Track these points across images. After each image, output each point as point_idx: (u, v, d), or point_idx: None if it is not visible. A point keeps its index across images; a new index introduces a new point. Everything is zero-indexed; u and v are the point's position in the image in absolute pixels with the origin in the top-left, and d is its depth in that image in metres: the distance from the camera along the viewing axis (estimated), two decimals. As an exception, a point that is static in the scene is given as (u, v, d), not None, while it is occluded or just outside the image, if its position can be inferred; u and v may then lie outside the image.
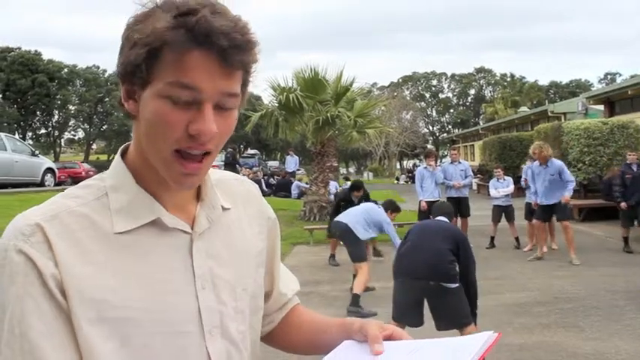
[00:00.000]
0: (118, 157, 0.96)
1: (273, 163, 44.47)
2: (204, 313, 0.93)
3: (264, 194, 19.10)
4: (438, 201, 9.75)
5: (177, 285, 0.91)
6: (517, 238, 10.41)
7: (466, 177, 11.00)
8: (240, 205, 1.07)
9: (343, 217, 7.20)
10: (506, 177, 11.12)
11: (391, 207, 7.65)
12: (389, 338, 0.99)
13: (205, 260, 0.95)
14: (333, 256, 9.47)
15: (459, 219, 10.84)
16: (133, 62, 0.84)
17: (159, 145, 0.86)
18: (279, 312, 1.17)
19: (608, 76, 74.88)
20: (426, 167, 10.66)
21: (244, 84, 0.90)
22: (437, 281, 4.50)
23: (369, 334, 0.98)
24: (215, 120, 0.85)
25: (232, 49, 0.82)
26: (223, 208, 1.01)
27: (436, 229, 4.83)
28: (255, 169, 25.32)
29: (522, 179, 10.24)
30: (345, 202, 9.07)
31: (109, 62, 56.23)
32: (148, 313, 0.87)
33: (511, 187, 10.79)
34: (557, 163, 9.17)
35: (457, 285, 4.47)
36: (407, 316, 4.66)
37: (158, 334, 0.88)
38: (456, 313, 4.48)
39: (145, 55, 0.83)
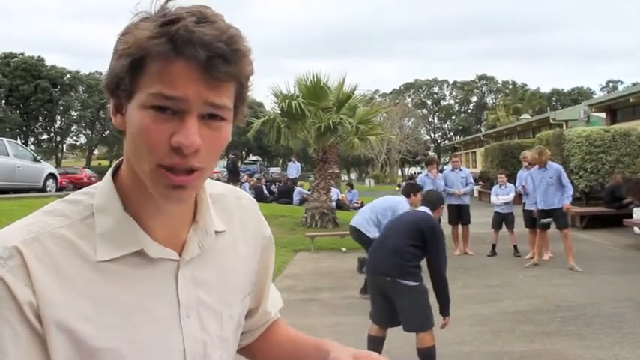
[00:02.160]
0: (108, 174, 0.92)
1: (274, 170, 44.52)
2: (188, 342, 0.90)
3: (265, 201, 19.11)
4: None
5: (161, 314, 0.88)
6: (515, 246, 10.39)
7: (467, 184, 10.99)
8: (237, 225, 1.03)
9: (353, 220, 7.15)
10: (508, 184, 11.11)
11: (412, 189, 7.05)
12: None
13: (192, 288, 0.92)
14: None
15: (459, 226, 10.87)
16: (118, 74, 0.81)
17: (143, 159, 0.82)
18: (260, 328, 1.16)
19: (610, 84, 75.04)
20: (427, 175, 10.65)
21: (240, 97, 0.86)
22: (393, 277, 4.44)
23: None
24: (202, 133, 0.80)
25: (215, 59, 0.78)
26: (217, 232, 0.97)
27: (405, 222, 4.74)
28: (257, 175, 25.36)
29: (519, 186, 10.19)
30: None
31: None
32: (128, 343, 0.85)
33: (511, 195, 10.78)
34: (556, 166, 9.26)
35: (417, 283, 4.37)
36: (379, 314, 4.63)
37: None
38: (411, 314, 4.40)
39: (128, 67, 0.80)
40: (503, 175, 11.35)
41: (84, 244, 0.85)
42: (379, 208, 7.20)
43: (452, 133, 77.45)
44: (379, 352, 4.59)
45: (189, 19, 0.78)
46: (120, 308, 0.85)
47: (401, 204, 6.90)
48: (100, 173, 25.35)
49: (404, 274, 4.39)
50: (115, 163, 0.95)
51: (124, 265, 0.86)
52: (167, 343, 0.89)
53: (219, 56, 0.78)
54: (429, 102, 79.28)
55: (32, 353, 0.80)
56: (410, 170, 60.69)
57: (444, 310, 4.44)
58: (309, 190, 17.20)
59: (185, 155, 0.80)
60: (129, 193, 0.89)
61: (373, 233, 6.86)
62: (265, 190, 20.98)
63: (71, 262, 0.84)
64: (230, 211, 1.03)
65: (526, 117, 38.61)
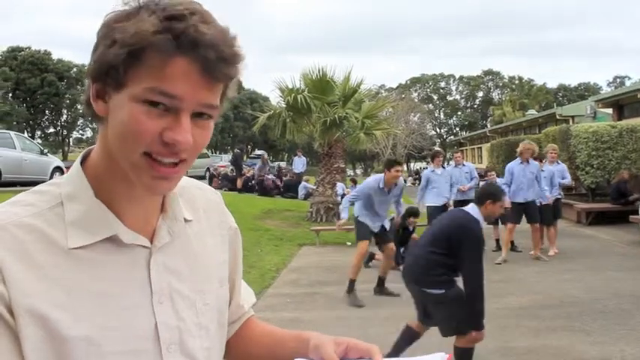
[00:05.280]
0: (77, 162, 0.91)
1: (279, 164, 44.53)
2: (162, 329, 0.89)
3: (270, 194, 19.08)
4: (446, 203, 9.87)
5: (133, 301, 0.88)
6: (512, 242, 10.36)
7: (471, 179, 10.99)
8: (203, 215, 1.03)
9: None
10: (498, 179, 11.17)
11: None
12: (345, 353, 0.98)
13: (164, 275, 0.91)
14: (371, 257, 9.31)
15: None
16: (110, 62, 0.79)
17: (129, 149, 0.82)
18: (234, 324, 1.15)
19: (617, 80, 74.51)
20: (433, 170, 10.65)
21: (223, 97, 0.87)
22: (417, 285, 4.36)
23: (324, 354, 0.97)
24: (191, 130, 0.82)
25: (218, 61, 0.79)
26: (185, 220, 0.98)
27: (436, 226, 4.56)
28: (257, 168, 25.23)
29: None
30: (402, 228, 9.24)
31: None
32: (101, 331, 0.83)
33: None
34: (535, 162, 9.67)
35: (441, 291, 4.18)
36: (419, 314, 4.60)
37: (112, 353, 0.84)
38: (439, 322, 4.34)
39: (124, 56, 0.78)
40: (493, 172, 11.43)
41: (53, 231, 0.84)
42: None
43: (458, 129, 77.15)
44: (408, 345, 4.58)
45: (195, 18, 0.79)
46: (93, 295, 0.84)
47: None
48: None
49: (426, 282, 4.25)
50: (82, 151, 0.95)
51: (96, 252, 0.86)
52: (140, 330, 0.88)
53: (222, 59, 0.80)
54: (435, 97, 78.95)
55: (3, 347, 0.78)
56: (415, 165, 60.61)
57: (475, 325, 4.13)
58: (314, 185, 17.21)
59: (176, 152, 0.82)
60: (100, 180, 0.89)
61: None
62: (271, 183, 20.94)
63: (41, 250, 0.83)
64: (194, 202, 1.03)
65: (532, 112, 38.53)
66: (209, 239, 1.03)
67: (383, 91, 63.36)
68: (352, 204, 7.25)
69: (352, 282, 7.05)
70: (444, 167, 11.07)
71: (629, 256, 9.61)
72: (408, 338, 4.62)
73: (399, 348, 4.59)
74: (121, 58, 0.79)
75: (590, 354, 5.05)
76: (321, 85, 14.09)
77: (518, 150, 9.64)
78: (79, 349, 0.82)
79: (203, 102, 0.82)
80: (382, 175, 6.97)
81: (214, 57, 0.79)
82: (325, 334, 1.02)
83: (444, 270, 4.20)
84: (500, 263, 9.17)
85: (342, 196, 18.04)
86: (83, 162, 0.91)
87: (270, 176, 21.42)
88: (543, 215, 9.66)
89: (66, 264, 0.83)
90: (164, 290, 0.91)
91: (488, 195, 4.39)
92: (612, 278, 7.88)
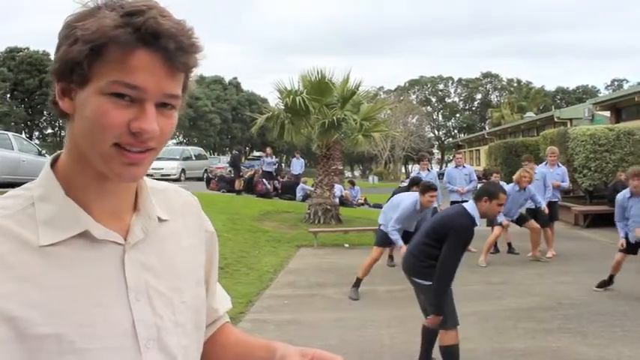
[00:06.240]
0: (46, 165, 0.93)
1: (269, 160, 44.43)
2: (139, 325, 0.89)
3: (268, 196, 18.99)
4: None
5: (109, 297, 0.88)
6: (510, 244, 10.38)
7: (470, 181, 11.01)
8: (180, 217, 1.04)
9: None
10: (501, 182, 11.16)
11: (412, 183, 7.41)
12: None
13: (140, 272, 0.92)
14: (390, 257, 9.34)
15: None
16: (74, 59, 0.82)
17: (98, 141, 0.84)
18: (209, 328, 1.14)
19: (615, 83, 74.68)
20: (418, 173, 10.75)
21: (184, 87, 0.90)
22: (410, 275, 4.52)
23: None
24: (157, 119, 0.85)
25: (178, 51, 0.83)
26: (160, 219, 0.99)
27: (430, 220, 4.76)
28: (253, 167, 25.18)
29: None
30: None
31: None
32: (76, 328, 0.84)
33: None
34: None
35: (430, 283, 4.31)
36: (422, 309, 4.70)
37: (89, 351, 0.84)
38: (430, 312, 4.41)
39: (87, 52, 0.81)
40: (498, 174, 11.47)
41: (24, 231, 0.85)
42: (390, 205, 7.55)
43: (456, 131, 77.26)
44: (433, 344, 4.65)
45: (153, 12, 0.82)
46: (67, 293, 0.84)
47: (405, 200, 7.15)
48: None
49: (418, 273, 4.42)
50: (52, 155, 0.96)
51: (69, 249, 0.86)
52: (117, 327, 0.88)
53: (182, 48, 0.84)
54: (434, 99, 78.98)
55: None
56: (414, 167, 60.66)
57: (435, 307, 4.27)
58: (312, 186, 17.21)
59: (144, 140, 0.85)
60: (71, 179, 0.90)
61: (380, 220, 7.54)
62: (267, 186, 20.89)
63: (12, 251, 0.83)
64: (171, 203, 1.04)
65: (530, 115, 38.61)
66: (186, 240, 1.04)
67: (381, 93, 63.46)
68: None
69: (359, 280, 7.35)
70: (429, 170, 11.16)
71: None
72: (428, 338, 4.68)
73: (425, 350, 4.70)
74: (83, 54, 0.81)
75: (588, 356, 5.06)
76: (319, 86, 14.09)
77: (515, 178, 9.58)
78: (51, 347, 0.82)
79: (166, 92, 0.85)
80: (416, 196, 7.03)
81: (174, 47, 0.83)
82: (293, 346, 1.02)
83: (432, 262, 4.31)
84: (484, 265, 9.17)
85: (340, 197, 18.16)
86: (53, 165, 0.93)
87: (264, 180, 21.31)
88: (538, 217, 9.68)
89: (38, 262, 0.84)
90: (140, 287, 0.91)
91: (484, 192, 4.44)
92: (609, 280, 7.88)
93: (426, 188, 6.93)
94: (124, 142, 0.84)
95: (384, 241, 7.41)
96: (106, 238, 0.90)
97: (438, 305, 4.25)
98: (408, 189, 8.67)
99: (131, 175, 0.88)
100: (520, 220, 9.75)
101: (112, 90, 0.82)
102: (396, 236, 7.03)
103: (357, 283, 7.33)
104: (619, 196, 7.21)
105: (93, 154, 0.86)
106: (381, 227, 7.41)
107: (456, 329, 4.32)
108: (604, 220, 13.03)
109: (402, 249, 6.70)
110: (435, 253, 4.29)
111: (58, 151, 0.95)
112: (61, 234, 0.86)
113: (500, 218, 9.03)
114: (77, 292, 0.85)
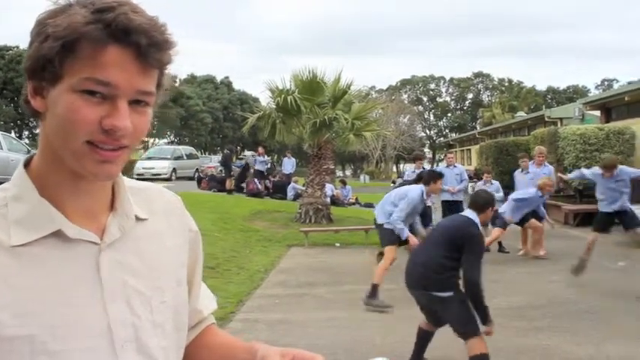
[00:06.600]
0: (20, 166, 0.92)
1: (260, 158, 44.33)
2: (115, 326, 0.88)
3: (259, 195, 18.93)
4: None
5: (82, 298, 0.86)
6: (500, 243, 10.43)
7: (461, 181, 11.04)
8: (163, 216, 1.03)
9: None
10: (494, 181, 11.27)
11: (431, 177, 7.06)
12: None
13: (117, 271, 0.90)
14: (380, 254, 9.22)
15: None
16: (45, 56, 0.81)
17: (71, 139, 0.83)
18: (193, 330, 1.12)
19: (605, 83, 75.09)
20: (414, 171, 10.78)
21: (158, 84, 0.89)
22: (426, 291, 4.42)
23: None
24: (130, 117, 0.83)
25: (150, 47, 0.82)
26: (138, 218, 0.97)
27: (439, 232, 4.67)
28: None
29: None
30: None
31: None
32: (48, 329, 0.82)
33: (501, 193, 10.78)
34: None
35: (450, 293, 4.29)
36: (428, 318, 4.68)
37: (62, 352, 0.83)
38: (453, 322, 4.37)
39: (58, 49, 0.80)
40: (489, 175, 11.57)
41: None
42: (394, 196, 7.23)
43: (447, 130, 77.42)
44: (426, 346, 4.65)
45: (124, 8, 0.81)
46: (38, 293, 0.83)
47: (412, 190, 7.02)
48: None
49: (434, 286, 4.35)
50: (25, 157, 0.95)
51: (41, 249, 0.85)
52: (91, 328, 0.86)
53: (154, 44, 0.82)
54: (425, 99, 79.08)
55: None
56: (405, 167, 60.78)
57: (482, 319, 4.25)
58: (303, 186, 17.20)
59: (117, 138, 0.83)
60: (44, 178, 0.89)
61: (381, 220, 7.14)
62: (257, 185, 20.85)
63: None
64: (153, 202, 1.03)
65: (521, 115, 38.76)
66: (168, 240, 1.02)
67: (373, 93, 63.52)
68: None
69: (376, 287, 6.74)
70: (423, 169, 11.19)
71: (615, 256, 9.67)
72: (422, 340, 4.69)
73: (417, 352, 4.69)
74: (55, 50, 0.80)
75: (577, 354, 5.09)
76: (311, 86, 14.09)
77: (540, 184, 9.43)
78: (23, 348, 0.81)
79: (138, 88, 0.84)
80: (421, 186, 6.97)
81: (146, 43, 0.81)
82: (274, 346, 1.02)
83: (448, 274, 4.35)
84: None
85: (331, 197, 18.16)
86: (27, 165, 0.92)
87: (255, 179, 21.24)
88: (526, 216, 9.69)
89: (10, 262, 0.83)
90: (117, 286, 0.90)
91: (487, 202, 4.61)
92: (599, 279, 7.94)
93: (437, 175, 7.15)
94: (96, 140, 0.83)
95: (392, 238, 7.03)
96: (80, 237, 0.88)
97: (484, 315, 4.25)
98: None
99: (105, 173, 0.86)
100: (522, 220, 9.80)
101: (83, 87, 0.81)
102: (401, 226, 6.83)
103: (375, 291, 6.72)
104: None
105: (65, 152, 0.85)
106: (384, 225, 7.07)
107: (482, 336, 4.25)
108: (594, 219, 13.11)
109: (412, 242, 6.72)
110: (451, 265, 4.34)
111: (32, 152, 0.94)
112: (34, 233, 0.85)
113: (507, 215, 9.15)
114: (49, 292, 0.84)
